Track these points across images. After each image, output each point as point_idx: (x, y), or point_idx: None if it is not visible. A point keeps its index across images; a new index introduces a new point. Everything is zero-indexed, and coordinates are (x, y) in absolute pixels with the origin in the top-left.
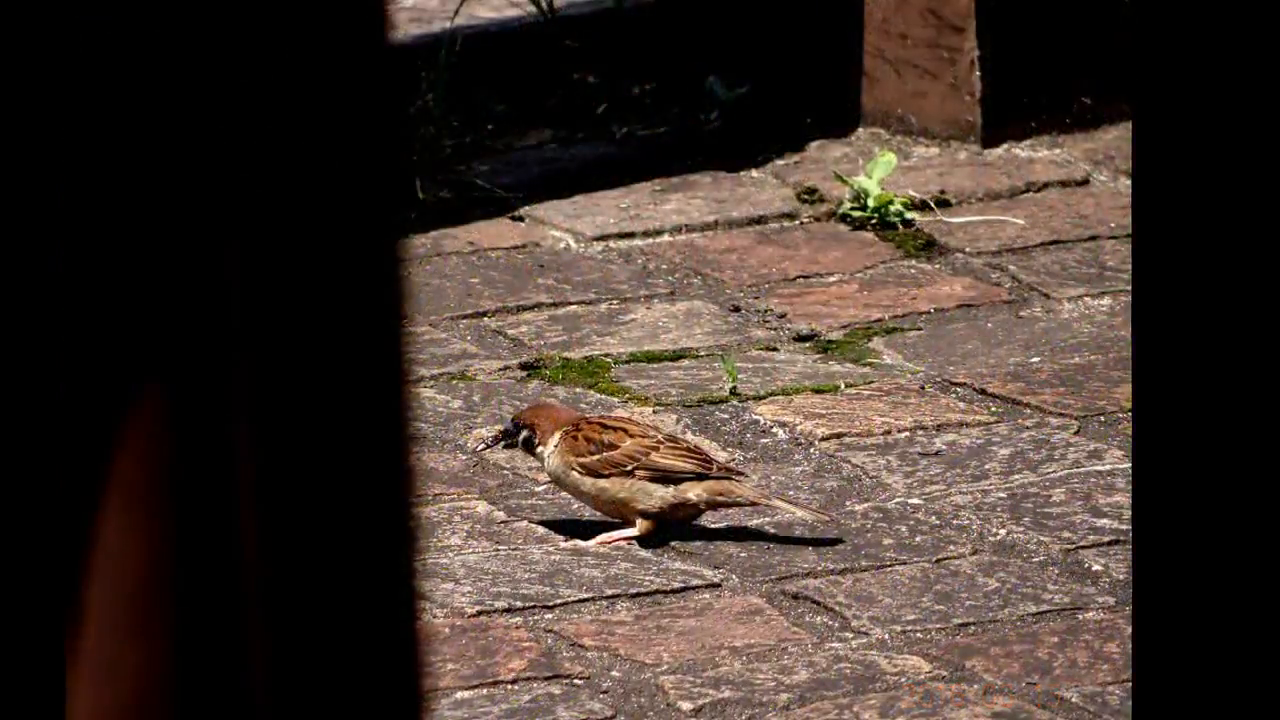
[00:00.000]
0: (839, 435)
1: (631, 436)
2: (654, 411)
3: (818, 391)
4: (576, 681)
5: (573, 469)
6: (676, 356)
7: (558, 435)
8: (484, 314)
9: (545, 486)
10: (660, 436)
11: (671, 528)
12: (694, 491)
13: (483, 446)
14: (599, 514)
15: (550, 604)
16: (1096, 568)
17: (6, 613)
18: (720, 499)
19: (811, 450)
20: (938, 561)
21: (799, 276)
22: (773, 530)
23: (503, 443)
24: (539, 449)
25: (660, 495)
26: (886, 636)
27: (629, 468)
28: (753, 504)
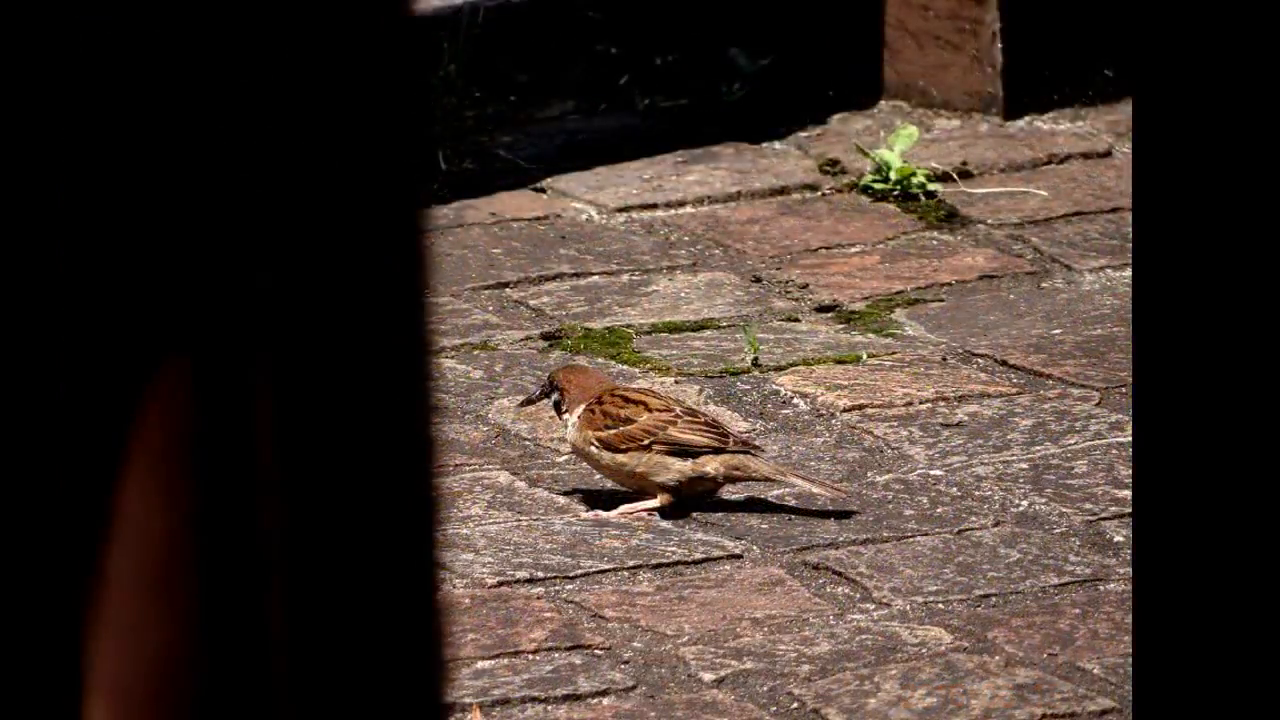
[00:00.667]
0: (860, 406)
1: (650, 411)
2: (676, 382)
3: (839, 362)
4: (598, 652)
5: (591, 444)
6: (698, 327)
7: (581, 408)
8: (506, 285)
9: (567, 457)
10: (679, 410)
11: (690, 501)
12: (711, 466)
13: (522, 401)
14: (622, 486)
15: (571, 574)
16: (1119, 539)
17: (28, 580)
18: (737, 473)
19: (833, 421)
20: (959, 533)
21: (821, 247)
22: (794, 501)
23: (537, 400)
24: (565, 415)
25: (678, 469)
26: (908, 607)
27: (646, 442)
28: (768, 480)
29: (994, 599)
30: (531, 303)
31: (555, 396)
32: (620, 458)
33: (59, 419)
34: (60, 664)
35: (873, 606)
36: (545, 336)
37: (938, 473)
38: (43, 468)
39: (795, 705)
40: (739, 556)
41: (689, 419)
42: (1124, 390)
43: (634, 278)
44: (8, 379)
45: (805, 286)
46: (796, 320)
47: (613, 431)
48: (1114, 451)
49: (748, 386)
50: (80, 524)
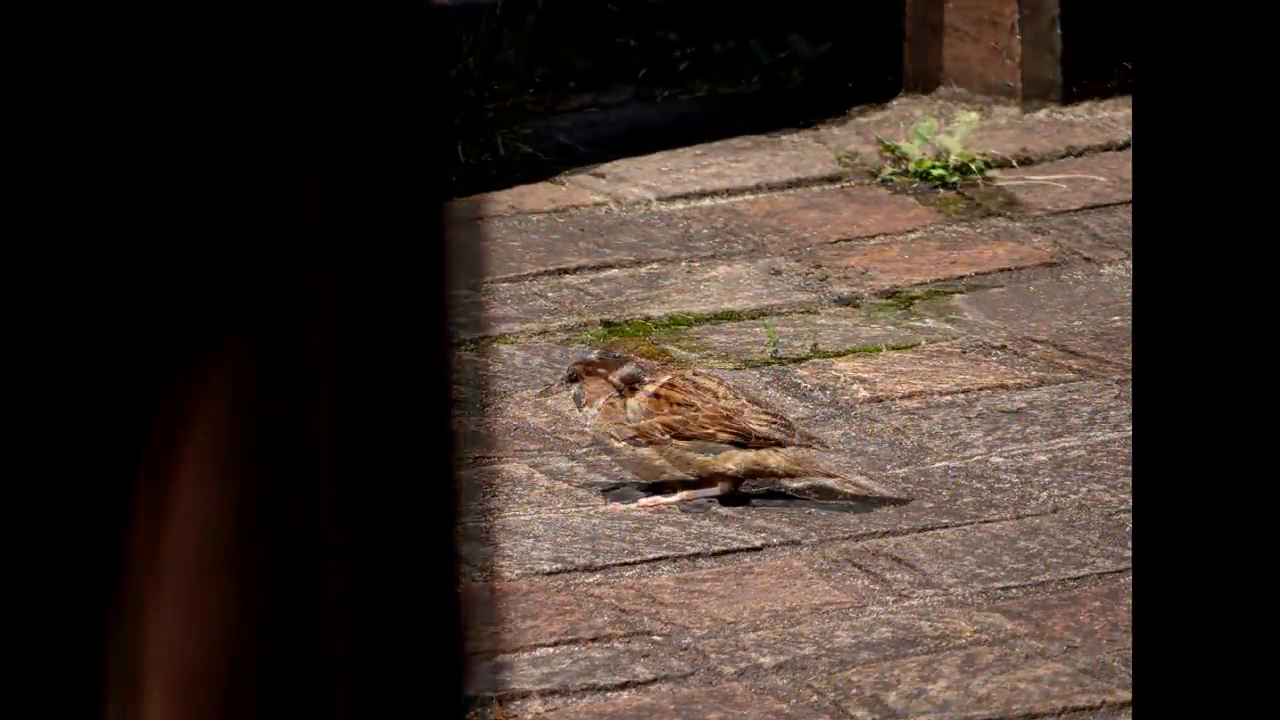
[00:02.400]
0: (919, 393)
1: (717, 399)
2: (734, 369)
3: (898, 349)
4: (656, 639)
5: (655, 429)
6: (757, 314)
7: (644, 392)
8: (565, 271)
9: (624, 444)
10: (745, 400)
11: (751, 490)
12: (773, 458)
13: (558, 388)
14: (678, 474)
15: (630, 561)
16: None
17: (80, 558)
18: (798, 468)
19: (892, 408)
20: (1018, 519)
21: (880, 233)
22: (851, 489)
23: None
24: (629, 399)
25: (740, 459)
26: (967, 594)
27: (711, 430)
28: (828, 477)
29: (1053, 585)
30: (591, 289)
31: (630, 370)
32: (683, 444)
33: (111, 405)
34: (111, 650)
35: (932, 593)
36: (604, 323)
37: (997, 460)
38: (96, 455)
39: (854, 691)
40: (798, 543)
41: (754, 410)
42: None
43: (693, 264)
44: (61, 365)
45: (864, 272)
46: (856, 306)
47: (677, 418)
48: None
49: (806, 373)
50: (133, 510)
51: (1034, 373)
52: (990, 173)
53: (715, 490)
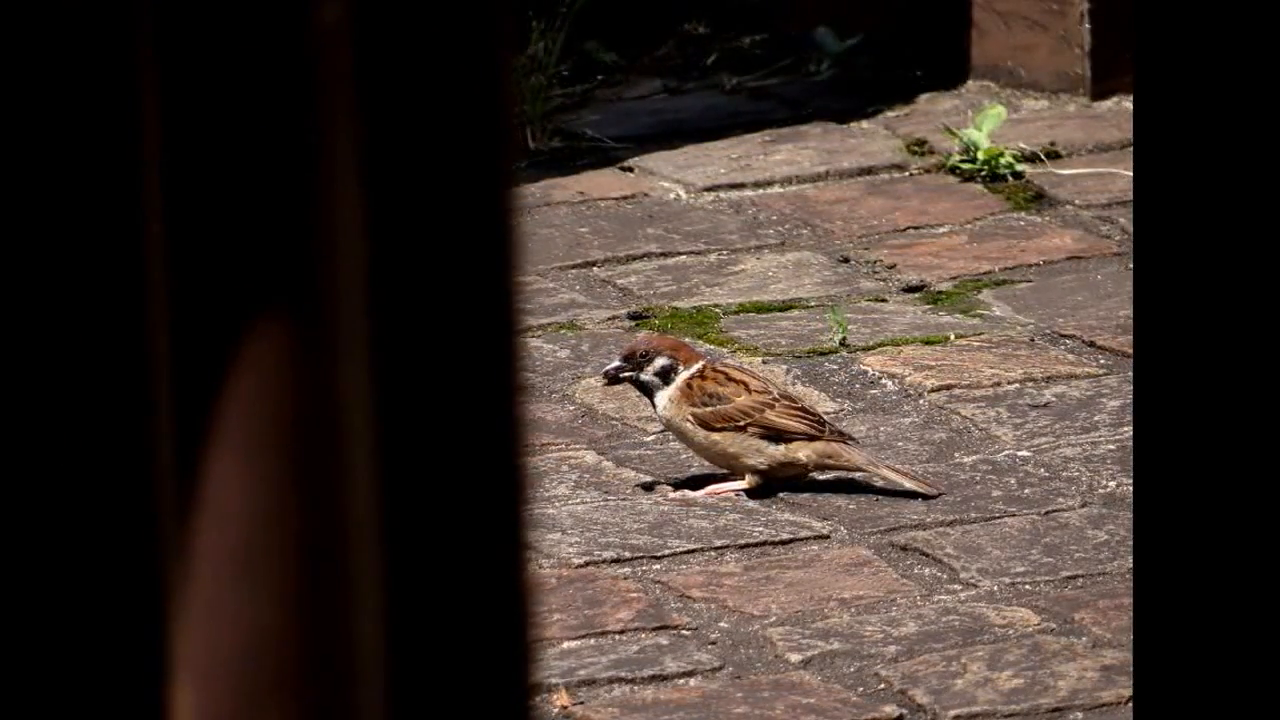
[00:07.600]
0: (948, 387)
1: (750, 392)
2: (763, 362)
3: (927, 343)
4: (684, 632)
5: (686, 420)
6: (785, 307)
7: (681, 379)
8: (593, 264)
9: (654, 437)
10: (777, 394)
11: (779, 483)
12: (804, 452)
13: (605, 381)
14: (708, 465)
15: (658, 555)
16: None
17: (112, 557)
18: (829, 462)
19: (920, 402)
20: (1046, 514)
21: (909, 227)
22: (880, 483)
23: (627, 371)
24: (672, 378)
25: (770, 453)
26: (995, 589)
27: (741, 423)
28: (860, 470)
29: (1081, 580)
30: (618, 282)
31: (665, 361)
32: (714, 436)
33: (146, 399)
34: (144, 645)
35: (959, 587)
36: (632, 316)
37: (1025, 454)
38: (131, 447)
39: (882, 686)
40: (826, 537)
41: (786, 404)
42: None
43: (721, 257)
44: (85, 353)
45: (892, 267)
46: (884, 300)
47: (709, 409)
48: None
49: (835, 367)
50: (168, 501)
51: (1102, 361)
52: (1019, 166)
53: (743, 484)
